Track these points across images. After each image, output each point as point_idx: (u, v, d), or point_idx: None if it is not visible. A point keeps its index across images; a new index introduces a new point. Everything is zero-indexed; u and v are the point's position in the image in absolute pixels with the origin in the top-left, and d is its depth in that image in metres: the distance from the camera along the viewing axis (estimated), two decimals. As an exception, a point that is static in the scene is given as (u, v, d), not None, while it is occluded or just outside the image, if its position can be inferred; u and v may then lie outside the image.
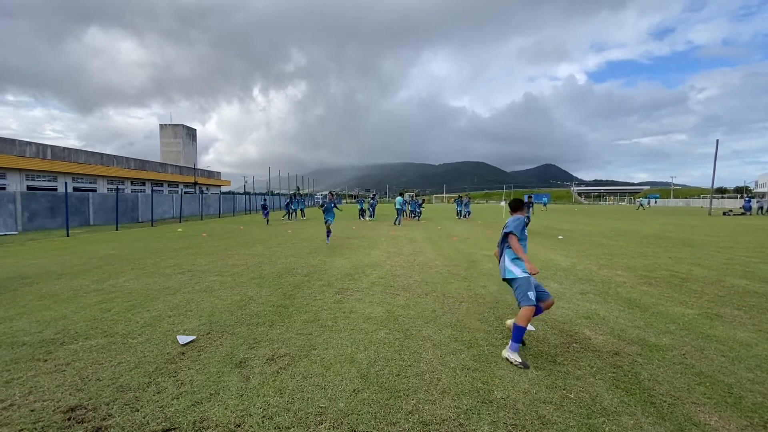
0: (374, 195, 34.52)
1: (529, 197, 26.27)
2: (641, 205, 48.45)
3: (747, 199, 39.59)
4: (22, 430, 2.55)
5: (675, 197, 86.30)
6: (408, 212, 26.15)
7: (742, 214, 34.14)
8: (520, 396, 2.99)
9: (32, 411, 2.77)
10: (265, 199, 26.67)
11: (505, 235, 3.93)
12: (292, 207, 27.67)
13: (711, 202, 37.17)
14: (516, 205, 4.15)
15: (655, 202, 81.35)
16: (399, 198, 22.44)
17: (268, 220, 23.01)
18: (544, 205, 52.22)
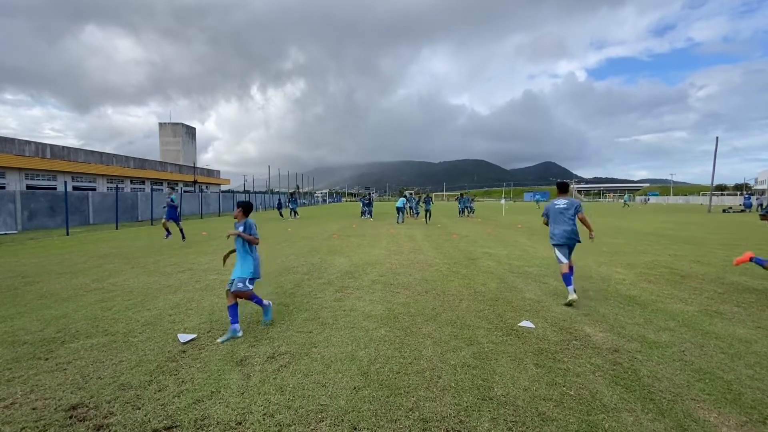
0: (370, 194, 33.06)
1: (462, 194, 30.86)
2: (626, 202, 50.72)
3: (747, 196, 39.62)
4: (23, 428, 2.56)
5: (675, 194, 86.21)
6: (412, 211, 26.04)
7: (742, 211, 34.15)
8: (520, 393, 3.00)
9: (34, 409, 2.78)
10: (172, 191, 15.51)
11: (577, 211, 5.55)
12: (290, 206, 27.66)
13: (711, 199, 37.18)
14: (565, 187, 5.80)
15: (648, 200, 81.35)
16: (402, 199, 22.64)
17: (170, 232, 12.70)
18: (537, 202, 51.83)
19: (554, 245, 5.63)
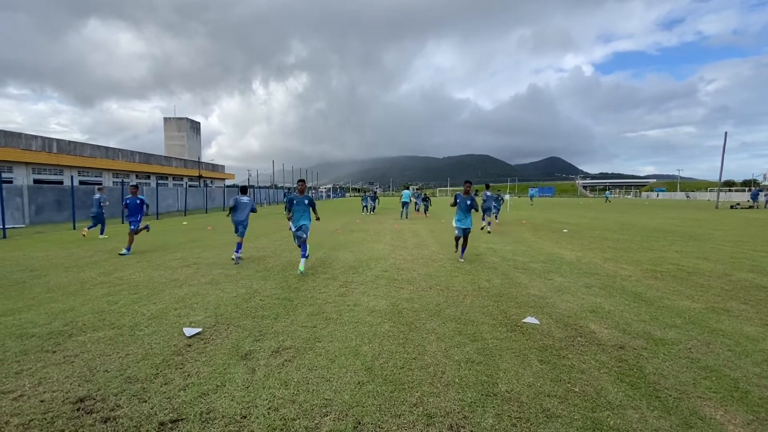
0: (373, 191, 31.49)
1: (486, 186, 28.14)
2: (607, 198, 52.50)
3: (755, 191, 39.14)
4: (32, 420, 2.59)
5: (682, 190, 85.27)
6: (417, 207, 25.99)
7: (750, 207, 33.76)
8: (525, 389, 2.99)
9: (42, 401, 2.82)
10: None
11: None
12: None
13: (718, 195, 36.78)
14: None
15: (657, 195, 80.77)
16: (405, 192, 22.48)
17: None
18: (531, 198, 50.38)
19: (484, 210, 13.67)
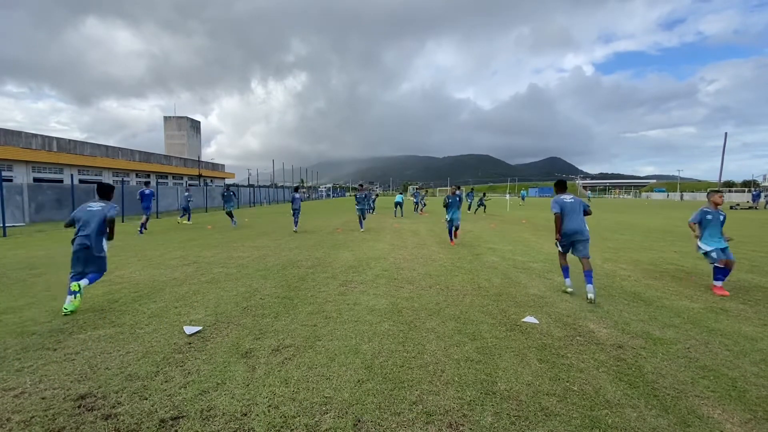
0: (366, 188, 31.68)
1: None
2: (589, 198, 53.33)
3: (756, 192, 39.16)
4: (33, 417, 2.60)
5: (682, 191, 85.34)
6: (417, 206, 26.54)
7: (750, 207, 33.77)
8: (524, 388, 3.00)
9: (43, 399, 2.83)
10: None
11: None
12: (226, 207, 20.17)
13: (718, 195, 36.75)
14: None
15: (668, 195, 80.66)
16: (399, 195, 24.09)
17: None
18: (522, 198, 49.55)
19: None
